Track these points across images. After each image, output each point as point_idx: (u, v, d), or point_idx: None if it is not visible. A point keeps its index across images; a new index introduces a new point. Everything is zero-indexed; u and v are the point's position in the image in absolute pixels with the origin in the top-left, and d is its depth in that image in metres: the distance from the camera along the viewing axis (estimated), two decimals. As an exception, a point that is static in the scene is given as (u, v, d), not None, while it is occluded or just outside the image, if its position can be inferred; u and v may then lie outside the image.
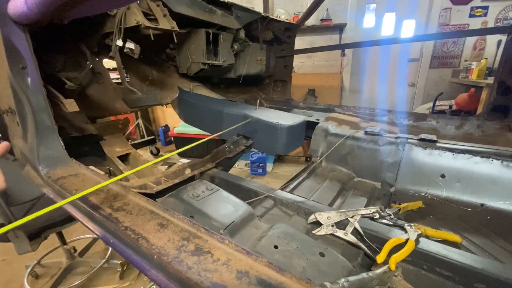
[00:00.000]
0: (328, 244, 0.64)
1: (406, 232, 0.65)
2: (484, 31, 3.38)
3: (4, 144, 0.65)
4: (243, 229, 0.68)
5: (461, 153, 0.99)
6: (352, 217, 0.72)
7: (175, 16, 1.38)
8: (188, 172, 1.03)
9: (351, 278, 0.47)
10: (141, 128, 4.29)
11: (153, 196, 0.84)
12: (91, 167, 0.85)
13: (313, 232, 0.71)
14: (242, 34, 1.85)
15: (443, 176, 0.99)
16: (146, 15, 1.27)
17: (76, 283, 1.80)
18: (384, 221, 0.73)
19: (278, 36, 2.22)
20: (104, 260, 1.93)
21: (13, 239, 1.10)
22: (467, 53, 3.71)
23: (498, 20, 3.48)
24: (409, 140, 1.11)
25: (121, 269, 1.88)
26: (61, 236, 1.86)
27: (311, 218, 0.75)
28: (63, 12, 0.75)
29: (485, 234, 0.82)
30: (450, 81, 3.83)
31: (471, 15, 3.56)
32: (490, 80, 2.93)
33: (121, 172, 1.23)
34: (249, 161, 3.35)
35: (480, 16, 3.52)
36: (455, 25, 3.65)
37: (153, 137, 4.05)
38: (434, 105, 3.38)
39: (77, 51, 1.36)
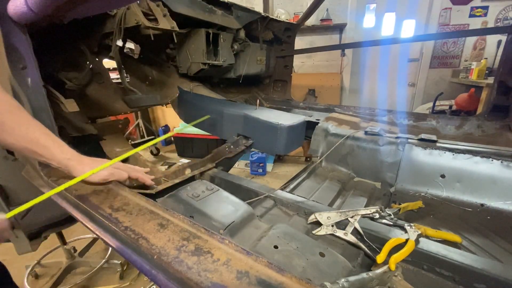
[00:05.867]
0: (328, 244, 0.64)
1: (406, 232, 0.65)
2: (484, 31, 3.38)
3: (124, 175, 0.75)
4: (243, 229, 0.68)
5: (461, 153, 0.99)
6: (352, 217, 0.71)
7: (175, 16, 1.38)
8: (188, 172, 1.03)
9: (351, 278, 0.47)
10: (141, 128, 4.29)
11: (153, 196, 0.84)
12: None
13: (313, 232, 0.71)
14: (242, 34, 1.85)
15: (443, 176, 0.99)
16: (146, 15, 1.27)
17: (76, 283, 1.81)
18: (384, 221, 0.73)
19: (278, 36, 2.22)
20: (104, 260, 1.93)
21: (13, 239, 1.10)
22: (467, 53, 3.71)
23: (498, 20, 3.48)
24: (409, 140, 1.11)
25: (121, 269, 1.88)
26: (61, 236, 1.86)
27: (311, 218, 0.75)
28: (63, 12, 0.75)
29: (485, 234, 0.82)
30: (450, 81, 3.83)
31: (471, 15, 3.55)
32: (490, 80, 2.93)
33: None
34: (249, 161, 3.35)
35: (480, 16, 3.52)
36: (455, 25, 3.65)
37: (153, 137, 4.05)
38: (434, 105, 3.38)
39: (77, 51, 1.36)
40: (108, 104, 1.53)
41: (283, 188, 1.02)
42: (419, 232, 0.65)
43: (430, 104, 3.48)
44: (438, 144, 1.06)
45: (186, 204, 0.76)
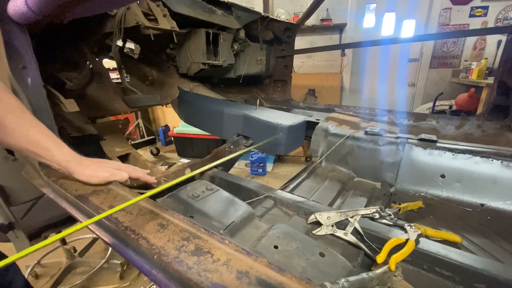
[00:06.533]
0: (328, 244, 0.64)
1: (406, 232, 0.65)
2: (484, 31, 3.38)
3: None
4: (243, 229, 0.68)
5: (461, 153, 0.99)
6: (352, 217, 0.71)
7: (175, 16, 1.38)
8: (188, 172, 1.03)
9: (351, 278, 0.47)
10: (141, 128, 4.28)
11: (153, 196, 0.84)
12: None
13: (313, 232, 0.71)
14: (242, 34, 1.85)
15: (443, 176, 0.99)
16: (146, 15, 1.27)
17: (76, 283, 1.81)
18: (384, 221, 0.73)
19: (278, 36, 2.22)
20: (104, 260, 1.93)
21: (13, 239, 1.10)
22: (467, 53, 3.71)
23: (498, 20, 3.48)
24: (409, 140, 1.11)
25: (121, 269, 1.88)
26: (61, 236, 1.86)
27: (311, 218, 0.75)
28: (63, 12, 0.75)
29: (485, 234, 0.82)
30: (450, 81, 3.83)
31: (471, 15, 3.55)
32: (490, 80, 2.93)
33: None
34: (249, 161, 3.35)
35: (480, 16, 3.52)
36: (455, 25, 3.65)
37: (153, 137, 4.05)
38: (434, 105, 3.38)
39: (77, 51, 1.36)
40: (108, 104, 1.53)
41: (283, 188, 1.02)
42: (419, 232, 0.65)
43: (430, 104, 3.48)
44: (438, 144, 1.06)
45: (186, 204, 0.76)
